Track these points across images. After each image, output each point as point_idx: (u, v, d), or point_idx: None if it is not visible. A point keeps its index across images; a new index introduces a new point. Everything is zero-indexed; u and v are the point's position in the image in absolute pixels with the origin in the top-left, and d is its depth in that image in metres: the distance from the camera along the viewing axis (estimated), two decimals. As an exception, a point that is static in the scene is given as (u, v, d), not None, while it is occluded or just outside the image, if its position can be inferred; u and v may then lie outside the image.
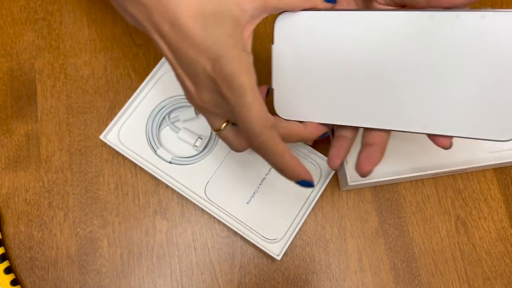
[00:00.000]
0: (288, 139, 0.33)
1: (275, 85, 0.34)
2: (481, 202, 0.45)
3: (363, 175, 0.32)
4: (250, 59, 0.29)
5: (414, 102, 0.31)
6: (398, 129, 0.32)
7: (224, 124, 0.32)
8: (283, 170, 0.31)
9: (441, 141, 0.31)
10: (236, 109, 0.28)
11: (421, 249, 0.43)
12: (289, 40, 0.33)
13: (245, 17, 0.29)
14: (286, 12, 0.32)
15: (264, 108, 0.28)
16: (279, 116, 0.35)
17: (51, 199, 0.44)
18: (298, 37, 0.32)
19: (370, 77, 0.31)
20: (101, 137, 0.42)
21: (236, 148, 0.34)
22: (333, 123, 0.34)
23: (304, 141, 0.34)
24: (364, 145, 0.33)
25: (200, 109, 0.32)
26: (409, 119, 0.31)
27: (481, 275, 0.43)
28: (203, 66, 0.28)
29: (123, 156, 0.44)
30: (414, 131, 0.31)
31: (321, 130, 0.35)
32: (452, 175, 0.45)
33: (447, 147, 0.31)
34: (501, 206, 0.44)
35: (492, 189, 0.45)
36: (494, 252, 0.43)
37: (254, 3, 0.29)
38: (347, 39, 0.31)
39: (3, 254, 0.42)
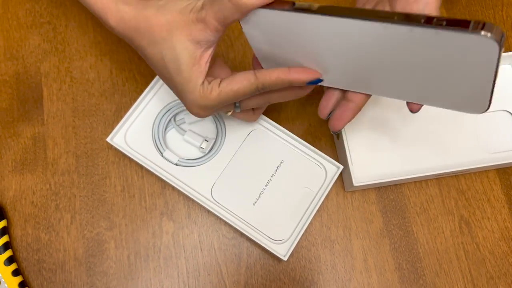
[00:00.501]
0: (273, 85, 0.33)
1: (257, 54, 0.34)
2: (484, 202, 0.45)
3: (334, 131, 0.36)
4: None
5: (391, 78, 0.32)
6: (376, 94, 0.34)
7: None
8: (291, 83, 0.33)
9: (412, 106, 0.34)
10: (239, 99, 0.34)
11: (426, 249, 0.44)
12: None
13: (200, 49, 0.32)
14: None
15: (240, 79, 0.33)
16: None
17: (58, 202, 0.44)
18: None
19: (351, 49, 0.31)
20: (108, 139, 0.43)
21: (252, 118, 0.40)
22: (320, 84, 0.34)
23: (291, 84, 0.33)
24: (343, 98, 0.36)
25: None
26: (386, 88, 0.33)
27: (485, 274, 0.43)
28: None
29: (129, 158, 0.44)
30: (390, 97, 0.33)
31: (309, 75, 0.33)
32: (455, 175, 0.46)
33: (415, 111, 0.34)
34: (504, 206, 0.45)
35: (495, 189, 0.45)
36: (498, 252, 0.44)
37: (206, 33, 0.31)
38: None
39: (11, 256, 0.42)
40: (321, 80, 0.34)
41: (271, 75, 0.32)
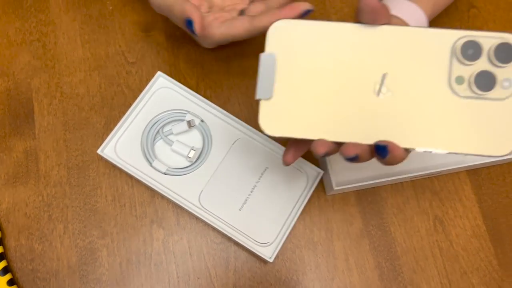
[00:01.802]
0: (265, 28, 0.35)
1: (260, 95, 0.33)
2: (456, 202, 0.48)
3: (318, 155, 0.33)
4: None
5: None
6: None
7: None
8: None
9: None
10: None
11: (403, 248, 0.46)
12: (280, 49, 0.33)
13: None
14: (280, 21, 0.33)
15: (240, 22, 0.41)
16: (266, 133, 0.33)
17: (50, 212, 0.46)
18: (291, 47, 0.33)
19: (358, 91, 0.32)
20: (99, 151, 0.45)
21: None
22: (325, 138, 0.33)
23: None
24: None
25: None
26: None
27: (459, 270, 0.46)
28: None
29: (119, 169, 0.46)
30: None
31: (299, 10, 0.40)
32: (429, 177, 0.49)
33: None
34: (474, 205, 0.48)
35: (466, 189, 0.48)
36: (470, 248, 0.47)
37: None
38: (339, 53, 0.32)
39: (5, 267, 0.43)
40: (310, 10, 0.38)
41: (263, 20, 0.39)
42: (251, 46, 0.51)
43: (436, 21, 0.48)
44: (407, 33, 0.32)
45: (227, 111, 0.48)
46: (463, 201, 0.48)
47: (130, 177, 0.47)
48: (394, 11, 0.41)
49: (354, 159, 0.32)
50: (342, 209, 0.47)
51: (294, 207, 0.45)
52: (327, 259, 0.46)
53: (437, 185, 0.48)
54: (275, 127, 0.33)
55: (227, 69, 0.51)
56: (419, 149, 0.32)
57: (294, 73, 0.33)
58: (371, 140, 0.32)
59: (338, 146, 0.33)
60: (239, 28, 0.41)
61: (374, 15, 0.31)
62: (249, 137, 0.47)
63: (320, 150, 0.32)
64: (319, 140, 0.32)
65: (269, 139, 0.47)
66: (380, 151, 0.31)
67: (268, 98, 0.33)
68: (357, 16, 0.33)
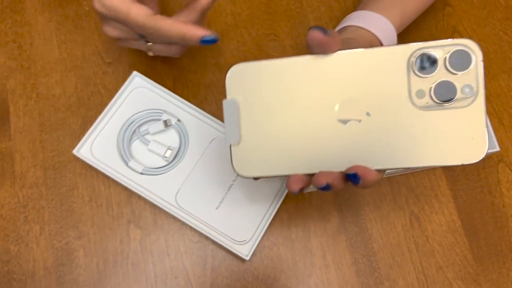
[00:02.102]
0: (163, 32, 0.36)
1: (229, 140, 0.33)
2: (432, 198, 0.49)
3: (292, 192, 0.33)
4: None
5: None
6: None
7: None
8: (184, 39, 0.36)
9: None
10: (126, 22, 0.37)
11: (380, 244, 0.47)
12: (241, 93, 0.33)
13: None
14: (236, 65, 0.33)
15: (139, 6, 0.36)
16: (240, 175, 0.34)
17: (26, 214, 0.46)
18: (251, 89, 0.33)
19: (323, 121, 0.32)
20: (74, 151, 0.45)
21: (166, 51, 0.42)
22: (295, 173, 0.33)
23: (183, 38, 0.37)
24: None
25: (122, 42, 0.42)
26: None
27: (435, 264, 0.47)
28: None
29: (96, 169, 0.46)
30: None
31: (204, 31, 0.37)
32: (405, 174, 0.49)
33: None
34: (450, 201, 0.49)
35: (441, 185, 0.49)
36: (445, 243, 0.47)
37: None
38: (298, 86, 0.32)
39: (-20, 269, 0.43)
40: (215, 40, 0.37)
41: (166, 22, 0.36)
42: (228, 43, 0.52)
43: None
44: (362, 55, 0.32)
45: (204, 110, 0.48)
46: (439, 197, 0.49)
47: (107, 177, 0.47)
48: (362, 23, 0.41)
49: (326, 188, 0.32)
50: (319, 206, 0.48)
51: (271, 204, 0.46)
52: (305, 256, 0.46)
53: (413, 181, 0.49)
54: (248, 168, 0.33)
55: (204, 68, 0.51)
56: (392, 167, 0.32)
57: (258, 114, 0.33)
58: (343, 167, 0.32)
59: (311, 178, 0.33)
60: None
61: (324, 47, 0.31)
62: (226, 136, 0.47)
63: (294, 188, 0.32)
64: (291, 177, 0.33)
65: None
66: (352, 179, 0.31)
67: (237, 143, 0.33)
68: (307, 49, 0.32)
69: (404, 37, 0.49)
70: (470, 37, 0.53)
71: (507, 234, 0.47)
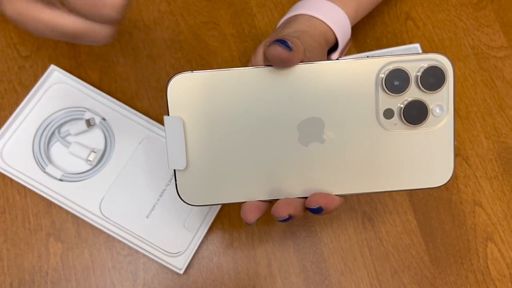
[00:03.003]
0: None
1: (173, 165, 0.29)
2: (385, 197, 0.45)
3: (248, 223, 0.30)
4: None
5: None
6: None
7: None
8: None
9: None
10: None
11: (330, 248, 0.43)
12: (186, 109, 0.28)
13: None
14: (179, 75, 0.28)
15: None
16: (188, 204, 0.30)
17: None
18: (197, 104, 0.28)
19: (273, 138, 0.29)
20: (-19, 158, 0.39)
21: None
22: (245, 200, 0.30)
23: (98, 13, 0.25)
24: None
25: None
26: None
27: (389, 269, 0.43)
28: None
29: (8, 177, 0.40)
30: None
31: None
32: (356, 171, 0.45)
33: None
34: (405, 199, 0.45)
35: (396, 182, 0.45)
36: (401, 245, 0.44)
37: None
38: (253, 102, 0.28)
39: None
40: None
41: None
42: (162, 33, 0.47)
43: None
44: (326, 69, 0.28)
45: (135, 107, 0.43)
46: (393, 195, 0.45)
47: (22, 185, 0.41)
48: (316, 13, 0.37)
49: (287, 219, 0.28)
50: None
51: (209, 210, 0.41)
52: (248, 265, 0.42)
53: (365, 179, 0.45)
54: (197, 196, 0.29)
55: (135, 60, 0.46)
56: (355, 192, 0.29)
57: (207, 133, 0.28)
58: (303, 192, 0.29)
59: (268, 206, 0.30)
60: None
61: (286, 63, 0.27)
62: (158, 135, 0.42)
63: (250, 218, 0.29)
64: (246, 204, 0.29)
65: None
66: (315, 212, 0.29)
67: (183, 168, 0.29)
68: (265, 61, 0.28)
69: (354, 26, 0.45)
70: (424, 24, 0.50)
71: (464, 232, 0.44)
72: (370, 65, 0.28)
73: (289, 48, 0.26)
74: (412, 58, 0.28)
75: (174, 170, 0.29)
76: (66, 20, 0.25)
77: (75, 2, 0.24)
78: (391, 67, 0.28)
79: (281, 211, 0.28)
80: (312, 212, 0.29)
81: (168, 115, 0.28)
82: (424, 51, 0.49)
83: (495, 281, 0.43)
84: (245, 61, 0.47)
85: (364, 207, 0.44)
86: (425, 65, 0.28)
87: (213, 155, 0.29)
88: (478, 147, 0.46)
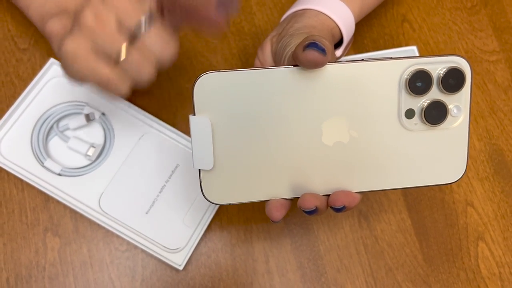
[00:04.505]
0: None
1: (199, 165, 0.29)
2: (381, 196, 0.46)
3: (274, 221, 0.31)
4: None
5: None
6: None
7: None
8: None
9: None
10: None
11: (326, 246, 0.44)
12: (213, 109, 0.28)
13: None
14: (205, 75, 0.28)
15: None
16: (213, 203, 0.30)
17: None
18: (224, 104, 0.28)
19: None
20: (-22, 151, 0.38)
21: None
22: (271, 199, 0.31)
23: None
24: None
25: None
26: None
27: (384, 266, 0.44)
28: None
29: (6, 171, 0.40)
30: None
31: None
32: (353, 171, 0.46)
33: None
34: (399, 198, 0.46)
35: (391, 182, 0.46)
36: (395, 243, 0.45)
37: None
38: (279, 102, 0.29)
39: None
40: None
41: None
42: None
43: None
44: (351, 69, 0.29)
45: (134, 102, 0.43)
46: (388, 194, 0.46)
47: (20, 179, 0.41)
48: (324, 9, 0.37)
49: (314, 211, 0.29)
50: (261, 207, 0.44)
51: (208, 206, 0.41)
52: (246, 262, 0.42)
53: (362, 178, 0.46)
54: (221, 195, 0.30)
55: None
56: (376, 189, 0.31)
57: (234, 134, 0.29)
58: (326, 190, 0.30)
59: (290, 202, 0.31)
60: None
61: (319, 66, 0.28)
62: (158, 131, 0.42)
63: (276, 216, 0.29)
64: (272, 202, 0.30)
65: (181, 133, 0.42)
66: (338, 210, 0.30)
67: (210, 169, 0.29)
68: (295, 62, 0.29)
69: (351, 24, 0.46)
70: (420, 27, 0.51)
71: (457, 232, 0.45)
72: (394, 66, 0.29)
73: (324, 52, 0.27)
74: (433, 60, 0.29)
75: (199, 170, 0.29)
76: (109, 73, 0.30)
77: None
78: (413, 68, 0.29)
79: (309, 203, 0.29)
80: (336, 211, 0.30)
81: (194, 114, 0.28)
82: (420, 53, 0.49)
83: (485, 279, 0.44)
84: (245, 59, 0.47)
85: (360, 205, 0.45)
86: (446, 66, 0.29)
87: (239, 154, 0.29)
88: (471, 148, 0.47)
